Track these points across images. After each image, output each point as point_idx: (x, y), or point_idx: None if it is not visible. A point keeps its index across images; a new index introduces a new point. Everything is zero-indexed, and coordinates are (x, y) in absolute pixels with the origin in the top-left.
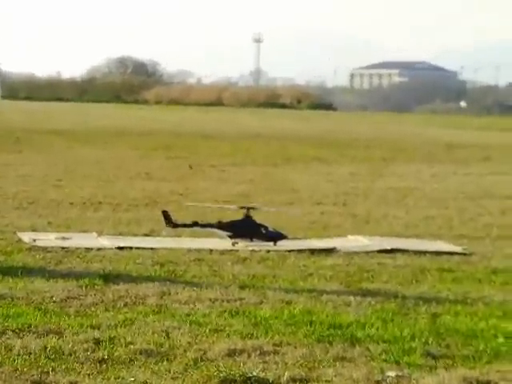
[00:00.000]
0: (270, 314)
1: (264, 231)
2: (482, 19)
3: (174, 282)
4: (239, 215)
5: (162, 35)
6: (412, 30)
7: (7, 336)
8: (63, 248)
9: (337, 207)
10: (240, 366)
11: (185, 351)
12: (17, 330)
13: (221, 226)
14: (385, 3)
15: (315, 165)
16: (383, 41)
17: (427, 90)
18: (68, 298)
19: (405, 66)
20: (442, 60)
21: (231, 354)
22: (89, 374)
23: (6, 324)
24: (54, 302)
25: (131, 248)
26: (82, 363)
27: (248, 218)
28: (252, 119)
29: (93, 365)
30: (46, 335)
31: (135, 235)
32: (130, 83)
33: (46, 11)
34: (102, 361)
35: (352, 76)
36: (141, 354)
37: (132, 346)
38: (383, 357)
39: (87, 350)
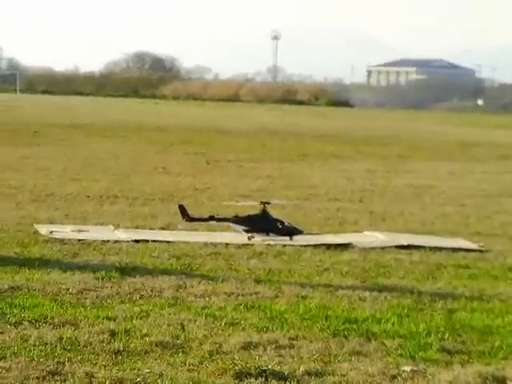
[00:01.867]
0: (286, 308)
1: (280, 226)
2: (501, 20)
3: (189, 275)
4: (256, 210)
5: (180, 31)
6: (429, 30)
7: (23, 326)
8: (80, 240)
9: (353, 204)
10: (255, 360)
11: (200, 344)
12: (33, 321)
13: (237, 220)
14: (404, 3)
15: (332, 161)
16: (401, 40)
17: (444, 87)
18: (84, 289)
19: (422, 64)
20: (460, 58)
21: (246, 347)
22: (104, 365)
23: (23, 315)
24: (71, 293)
25: (147, 241)
26: (98, 354)
27: (264, 212)
28: (269, 115)
29: (108, 356)
30: (62, 326)
31: (152, 229)
32: (148, 78)
33: (65, 6)
34: (117, 352)
35: (369, 73)
36: (156, 345)
37: (147, 338)
38: (399, 352)
39: (103, 342)
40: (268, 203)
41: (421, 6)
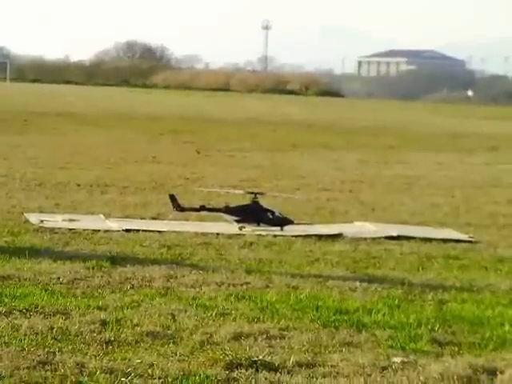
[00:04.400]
0: (277, 299)
1: (271, 216)
2: (490, 13)
3: (180, 265)
4: (246, 200)
5: (170, 20)
6: (420, 22)
7: (14, 316)
8: (70, 229)
9: (343, 194)
10: (246, 350)
11: (191, 334)
12: (24, 311)
13: (228, 210)
14: None
15: (322, 151)
16: (391, 31)
17: (435, 78)
18: (75, 279)
19: (412, 55)
20: (450, 50)
21: (237, 337)
22: (95, 355)
23: (13, 304)
24: (61, 283)
25: (138, 231)
26: (89, 344)
27: (255, 202)
28: (259, 105)
29: (99, 346)
30: (53, 316)
31: (142, 218)
32: (138, 67)
33: None
34: (108, 342)
35: (360, 64)
36: (147, 336)
37: (138, 328)
38: (389, 343)
39: (94, 332)
40: (260, 194)
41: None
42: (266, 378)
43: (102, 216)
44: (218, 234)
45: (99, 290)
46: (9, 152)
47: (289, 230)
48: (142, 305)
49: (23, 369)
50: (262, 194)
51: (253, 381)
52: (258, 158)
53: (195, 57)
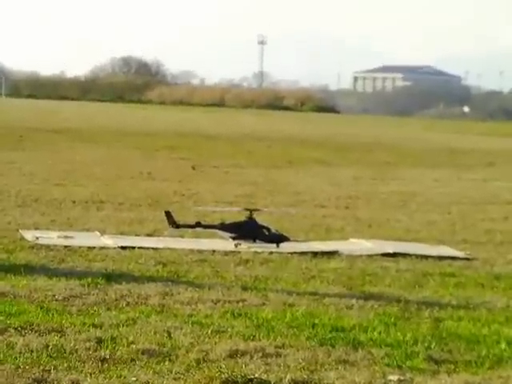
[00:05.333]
0: (273, 316)
1: (267, 233)
2: (487, 26)
3: (176, 282)
4: (242, 217)
5: (166, 36)
6: (416, 36)
7: (9, 334)
8: (66, 246)
9: (339, 210)
10: (242, 368)
11: (187, 352)
12: (19, 328)
13: (223, 227)
14: (390, 8)
15: (318, 167)
16: (387, 46)
17: (431, 94)
18: (70, 296)
19: (408, 70)
20: (446, 65)
21: (233, 355)
22: (90, 373)
23: (8, 322)
24: (57, 300)
25: (134, 248)
26: (84, 362)
27: (251, 219)
28: (255, 121)
29: (94, 364)
30: (48, 333)
31: (138, 235)
32: (134, 83)
33: (50, 10)
34: (103, 360)
35: (355, 79)
36: (143, 353)
37: (134, 346)
38: (385, 361)
39: (89, 349)
40: (255, 210)
41: (407, 13)
42: None
43: (97, 233)
44: (213, 250)
45: (95, 308)
46: (4, 168)
47: (285, 246)
48: (137, 322)
49: None
50: (257, 210)
51: None
52: (254, 174)
53: (190, 72)
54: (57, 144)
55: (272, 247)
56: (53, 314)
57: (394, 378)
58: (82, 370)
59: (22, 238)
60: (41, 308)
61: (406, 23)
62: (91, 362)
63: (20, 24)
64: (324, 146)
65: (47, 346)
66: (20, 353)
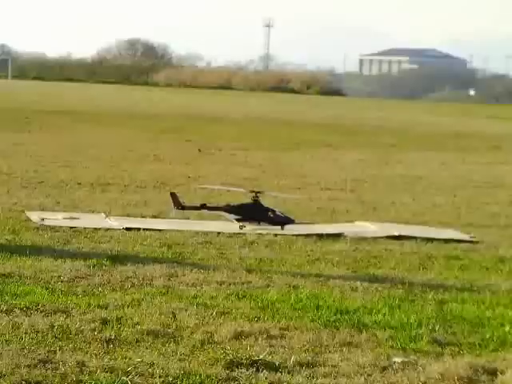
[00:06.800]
0: (277, 298)
1: (272, 215)
2: (492, 12)
3: (181, 263)
4: (247, 199)
5: (172, 18)
6: (423, 18)
7: (15, 314)
8: (71, 228)
9: (345, 193)
10: (247, 349)
11: (192, 333)
12: (24, 309)
13: (229, 209)
14: None
15: (323, 150)
16: (393, 29)
17: (437, 77)
18: (76, 277)
19: (414, 53)
20: (452, 48)
21: (238, 336)
22: (96, 354)
23: (14, 302)
24: (62, 281)
25: (139, 229)
26: (89, 343)
27: (256, 201)
28: (261, 103)
29: (100, 345)
30: (54, 314)
31: (143, 217)
32: (140, 65)
33: None
34: (109, 341)
35: (361, 62)
36: (148, 334)
37: (139, 327)
38: (390, 343)
39: (94, 330)
40: (260, 192)
41: None
42: (266, 378)
43: (102, 214)
44: (218, 232)
45: (100, 289)
46: (10, 150)
47: (289, 229)
48: (142, 303)
49: (24, 367)
50: (262, 192)
51: (253, 380)
52: (260, 156)
53: (197, 55)
54: (63, 126)
55: (277, 229)
56: (58, 295)
57: (398, 359)
58: (88, 351)
59: (28, 220)
60: (46, 289)
61: (413, 5)
62: (96, 343)
63: (26, 6)
64: (330, 129)
65: (53, 327)
66: (26, 333)
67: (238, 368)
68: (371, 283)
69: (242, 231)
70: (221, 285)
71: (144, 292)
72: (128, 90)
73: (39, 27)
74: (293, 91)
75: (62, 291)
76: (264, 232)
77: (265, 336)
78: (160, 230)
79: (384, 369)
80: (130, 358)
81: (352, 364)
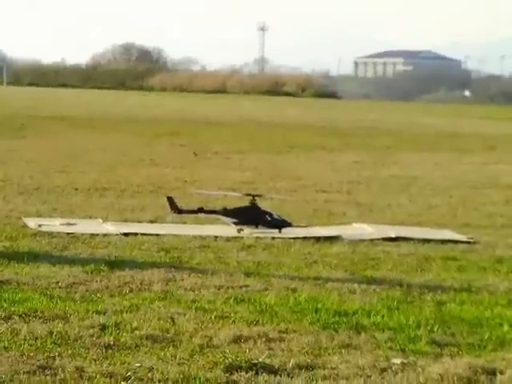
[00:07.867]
0: (276, 301)
1: (269, 218)
2: (487, 15)
3: (179, 268)
4: (244, 202)
5: (167, 22)
6: (418, 21)
7: (13, 321)
8: (68, 234)
9: (341, 195)
10: (246, 353)
11: (190, 337)
12: (23, 315)
13: (226, 212)
14: None
15: (319, 153)
16: (388, 32)
17: (431, 78)
18: (74, 283)
19: (409, 55)
20: (447, 50)
21: (237, 340)
22: (95, 360)
23: (13, 309)
24: (60, 287)
25: (136, 234)
26: (88, 348)
27: (253, 204)
28: (256, 107)
29: (99, 350)
30: (52, 320)
31: (140, 221)
32: (135, 70)
33: None
34: (107, 346)
35: (356, 65)
36: (146, 339)
37: (138, 332)
38: (389, 344)
39: (93, 336)
40: (257, 196)
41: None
42: (265, 381)
43: (99, 220)
44: (216, 236)
45: (98, 294)
46: (6, 156)
47: (287, 232)
48: (141, 308)
49: (23, 373)
50: (259, 196)
51: (253, 383)
52: (255, 159)
53: (192, 59)
54: (58, 132)
55: (274, 232)
56: (56, 301)
57: (397, 361)
58: (86, 357)
59: (25, 226)
60: (44, 295)
61: (407, 8)
62: (95, 349)
63: (21, 12)
64: (325, 131)
65: (51, 333)
66: (24, 340)
67: (237, 371)
68: (369, 285)
69: (239, 235)
70: (219, 289)
71: (142, 297)
72: (123, 95)
73: (34, 34)
74: (288, 94)
75: (60, 297)
76: (261, 235)
77: (264, 339)
78: (157, 235)
79: (383, 370)
80: (129, 363)
81: (351, 366)
